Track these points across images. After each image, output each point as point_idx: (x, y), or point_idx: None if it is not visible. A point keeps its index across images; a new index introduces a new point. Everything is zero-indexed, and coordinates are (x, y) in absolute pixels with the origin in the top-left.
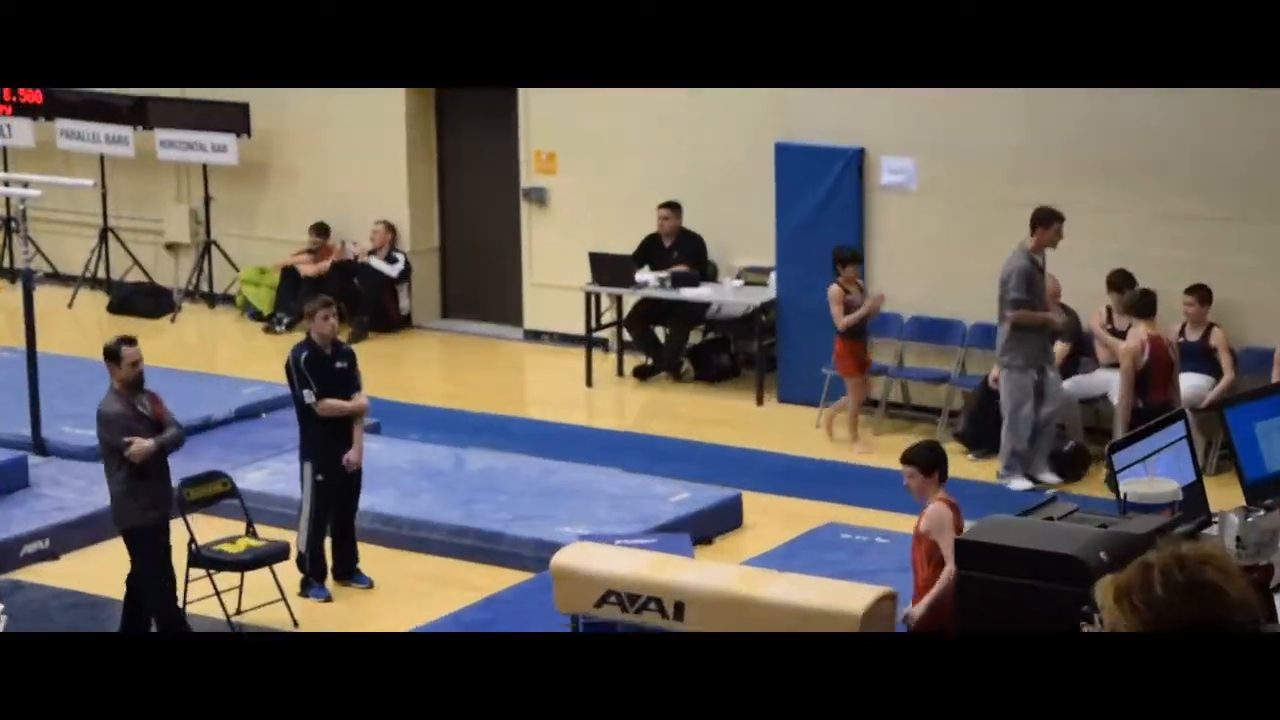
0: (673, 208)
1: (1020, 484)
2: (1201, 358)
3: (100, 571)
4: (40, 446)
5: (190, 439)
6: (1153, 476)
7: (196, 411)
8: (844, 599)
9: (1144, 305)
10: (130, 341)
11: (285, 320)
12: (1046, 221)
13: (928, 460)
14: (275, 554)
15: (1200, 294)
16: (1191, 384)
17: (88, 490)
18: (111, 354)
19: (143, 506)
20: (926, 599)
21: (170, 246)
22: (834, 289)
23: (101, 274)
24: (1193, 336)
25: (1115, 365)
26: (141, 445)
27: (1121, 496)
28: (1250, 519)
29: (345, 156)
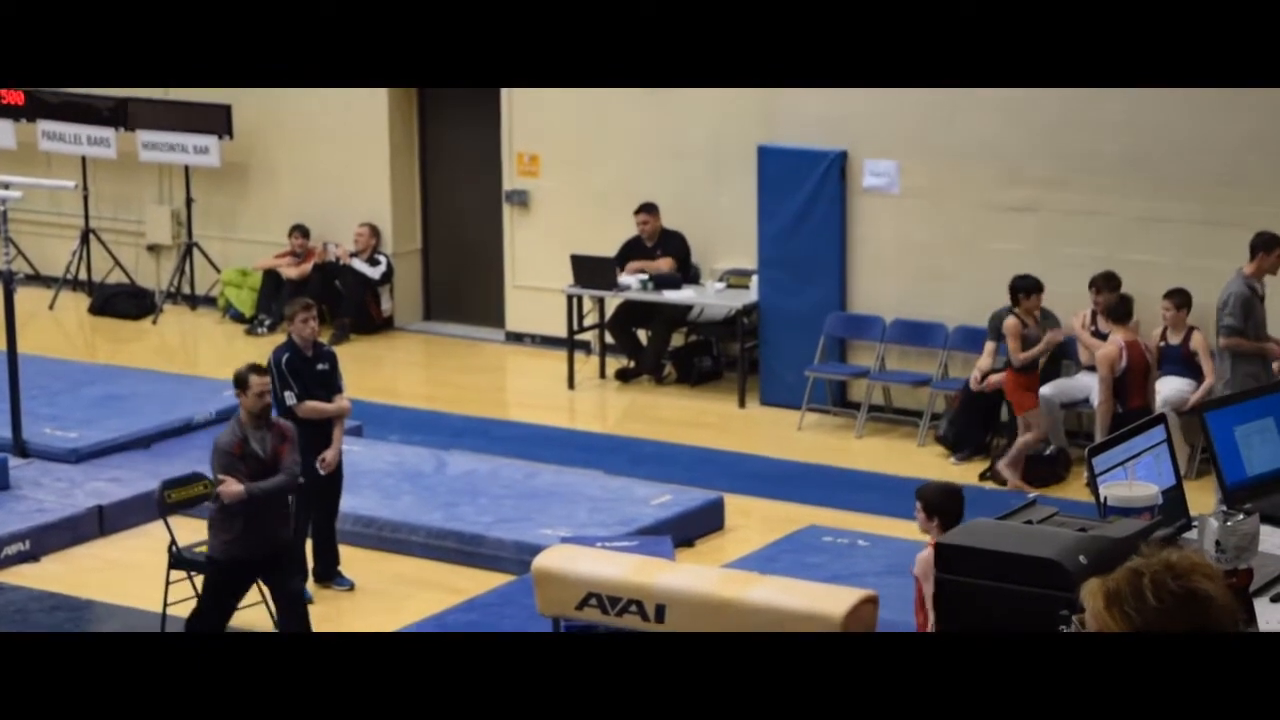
0: (649, 210)
1: None
2: (1183, 361)
3: (81, 573)
4: (21, 448)
5: (171, 441)
6: (1133, 480)
7: (178, 413)
8: (826, 602)
9: (1120, 310)
10: (260, 370)
11: (267, 322)
12: (1268, 247)
13: (932, 503)
14: None
15: (1177, 298)
16: (1174, 388)
17: (68, 492)
18: (240, 381)
19: (225, 540)
20: None
21: (152, 248)
22: (1011, 321)
23: (83, 275)
24: (1174, 340)
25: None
26: (230, 488)
27: (1101, 500)
28: (1230, 523)
29: (328, 159)
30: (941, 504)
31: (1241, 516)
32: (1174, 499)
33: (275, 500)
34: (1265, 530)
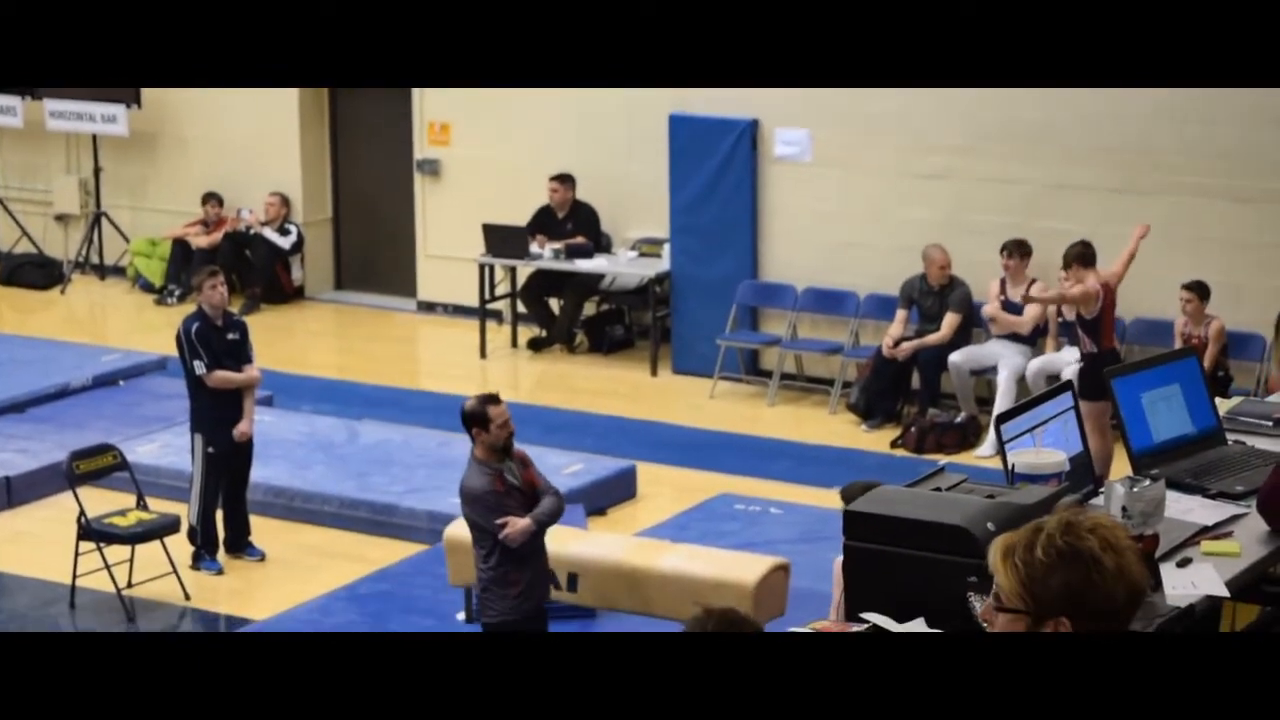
0: (564, 180)
1: None
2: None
3: None
4: None
5: (47, 406)
6: (1040, 447)
7: (54, 379)
8: (737, 570)
9: (1087, 257)
10: (495, 400)
11: (177, 292)
12: None
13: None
14: (166, 527)
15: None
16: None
17: None
18: (476, 417)
19: (514, 595)
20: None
21: (60, 218)
22: None
23: None
24: (1069, 314)
25: (1007, 337)
26: (517, 526)
27: (1009, 467)
28: (1136, 489)
29: (237, 128)
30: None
31: (1148, 482)
32: (1081, 465)
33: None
34: (1171, 496)
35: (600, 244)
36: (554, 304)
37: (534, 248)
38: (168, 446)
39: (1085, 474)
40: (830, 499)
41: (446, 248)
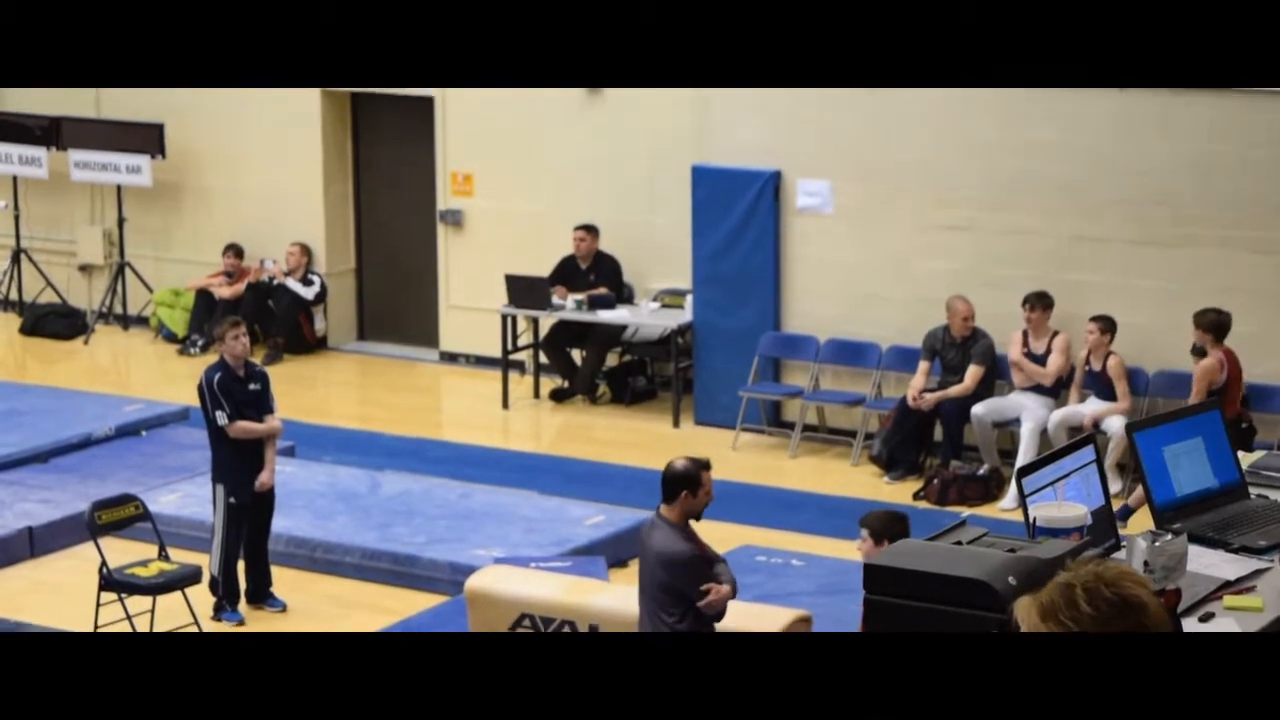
0: (589, 230)
1: None
2: (1103, 383)
3: (11, 595)
4: None
5: (70, 456)
6: (1062, 501)
7: (77, 429)
8: (759, 623)
9: (1221, 325)
10: (708, 466)
11: (200, 342)
12: None
13: (879, 529)
14: (187, 577)
15: (1103, 322)
16: (1099, 409)
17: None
18: (690, 480)
19: None
20: None
21: (84, 268)
22: None
23: (14, 296)
24: (1095, 366)
25: (1031, 389)
26: (721, 593)
27: (1031, 521)
28: (1158, 543)
29: (261, 178)
30: (886, 527)
31: (1170, 537)
32: (1103, 519)
33: None
34: (1194, 550)
35: (623, 295)
36: (576, 355)
37: (556, 299)
38: (190, 497)
39: (1107, 528)
40: (852, 551)
41: (469, 298)
